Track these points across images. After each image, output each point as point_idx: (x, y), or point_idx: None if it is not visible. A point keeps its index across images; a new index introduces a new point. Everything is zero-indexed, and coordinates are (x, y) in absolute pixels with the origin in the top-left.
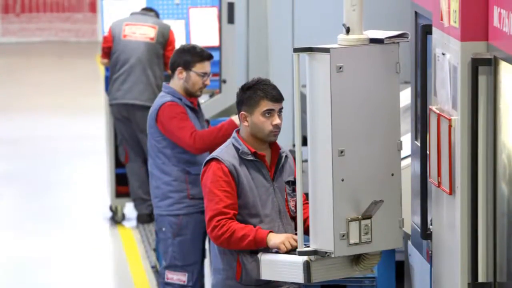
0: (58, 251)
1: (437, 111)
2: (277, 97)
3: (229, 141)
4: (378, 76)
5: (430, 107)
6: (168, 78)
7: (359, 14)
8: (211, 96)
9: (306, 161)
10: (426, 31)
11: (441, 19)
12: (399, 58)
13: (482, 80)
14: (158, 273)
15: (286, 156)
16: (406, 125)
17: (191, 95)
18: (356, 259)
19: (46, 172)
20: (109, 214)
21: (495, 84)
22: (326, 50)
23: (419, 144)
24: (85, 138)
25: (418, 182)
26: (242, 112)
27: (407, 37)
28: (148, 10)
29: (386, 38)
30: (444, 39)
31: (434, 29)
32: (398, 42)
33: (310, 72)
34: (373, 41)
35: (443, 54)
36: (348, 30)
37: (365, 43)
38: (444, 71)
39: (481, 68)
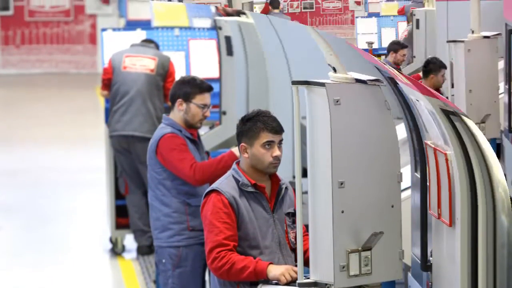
0: (57, 282)
1: (433, 146)
2: (277, 129)
3: (229, 172)
4: (373, 109)
5: (426, 141)
6: (168, 110)
7: (337, 58)
8: (211, 127)
9: (306, 192)
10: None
11: None
12: (384, 96)
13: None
14: None
15: (286, 188)
16: (406, 156)
17: (191, 126)
18: None
19: (46, 204)
20: (109, 245)
21: None
22: (322, 84)
23: (419, 176)
24: (85, 169)
25: (418, 214)
26: (242, 144)
27: (383, 82)
28: (148, 41)
29: (368, 80)
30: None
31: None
32: (378, 85)
33: (309, 104)
34: (358, 81)
35: (417, 100)
36: (334, 70)
37: (352, 81)
38: (425, 113)
39: None
